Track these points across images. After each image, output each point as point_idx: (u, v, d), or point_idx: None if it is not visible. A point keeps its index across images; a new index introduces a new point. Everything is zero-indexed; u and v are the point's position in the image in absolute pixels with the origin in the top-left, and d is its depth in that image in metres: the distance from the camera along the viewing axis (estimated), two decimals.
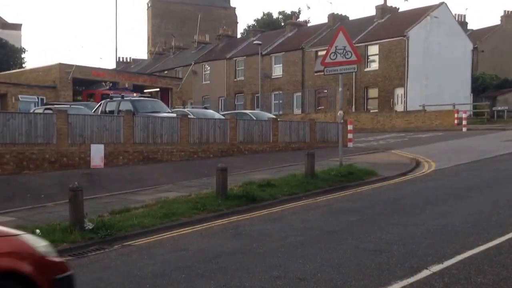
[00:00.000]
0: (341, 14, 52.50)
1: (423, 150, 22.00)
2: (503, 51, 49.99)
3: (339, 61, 16.48)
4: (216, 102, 52.61)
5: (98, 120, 18.78)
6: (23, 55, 59.63)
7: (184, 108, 30.12)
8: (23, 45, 61.90)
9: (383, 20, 46.54)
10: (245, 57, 53.31)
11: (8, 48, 55.28)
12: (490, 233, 8.46)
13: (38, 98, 32.90)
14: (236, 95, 53.52)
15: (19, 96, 32.32)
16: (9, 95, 32.21)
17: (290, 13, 73.37)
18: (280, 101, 48.80)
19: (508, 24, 51.57)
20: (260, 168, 18.11)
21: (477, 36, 49.89)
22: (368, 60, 43.59)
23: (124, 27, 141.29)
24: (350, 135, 25.60)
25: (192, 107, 30.62)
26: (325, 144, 24.89)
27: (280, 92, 49.26)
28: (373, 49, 43.46)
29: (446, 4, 44.29)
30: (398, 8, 48.88)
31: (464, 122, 33.51)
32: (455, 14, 48.56)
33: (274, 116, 28.58)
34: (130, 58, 76.37)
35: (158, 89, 39.96)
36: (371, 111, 42.51)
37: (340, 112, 17.62)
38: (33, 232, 7.70)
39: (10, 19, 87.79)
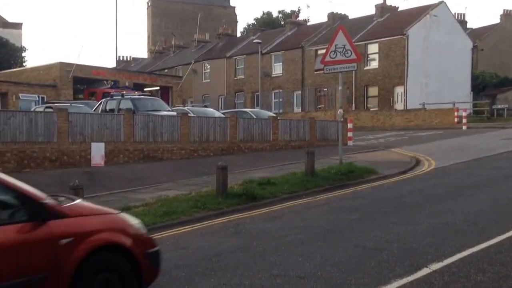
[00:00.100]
0: (341, 13, 52.91)
1: (423, 148, 21.99)
2: (502, 50, 49.99)
3: (339, 60, 16.49)
4: (216, 101, 52.59)
5: (99, 118, 18.80)
6: (23, 54, 59.66)
7: (184, 106, 30.09)
8: (23, 44, 62.01)
9: (382, 19, 46.49)
10: (245, 55, 53.28)
11: (8, 47, 55.28)
12: (490, 231, 8.47)
13: (38, 96, 32.91)
14: (236, 93, 53.49)
15: (20, 94, 32.35)
16: (9, 94, 32.25)
17: (289, 12, 73.37)
18: (280, 100, 48.80)
19: (508, 23, 51.54)
20: (260, 166, 18.11)
21: (476, 35, 49.88)
22: (368, 58, 43.54)
23: (124, 26, 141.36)
24: (350, 134, 25.60)
25: (192, 106, 30.66)
26: (325, 142, 24.89)
27: (280, 90, 49.25)
28: (373, 48, 43.42)
29: (445, 3, 44.24)
30: (398, 7, 48.95)
31: (464, 121, 33.54)
32: (455, 13, 48.53)
33: (274, 115, 28.57)
34: (130, 57, 76.24)
35: (158, 88, 39.91)
36: (371, 109, 42.45)
37: (340, 111, 17.63)
38: None
39: (10, 18, 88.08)
